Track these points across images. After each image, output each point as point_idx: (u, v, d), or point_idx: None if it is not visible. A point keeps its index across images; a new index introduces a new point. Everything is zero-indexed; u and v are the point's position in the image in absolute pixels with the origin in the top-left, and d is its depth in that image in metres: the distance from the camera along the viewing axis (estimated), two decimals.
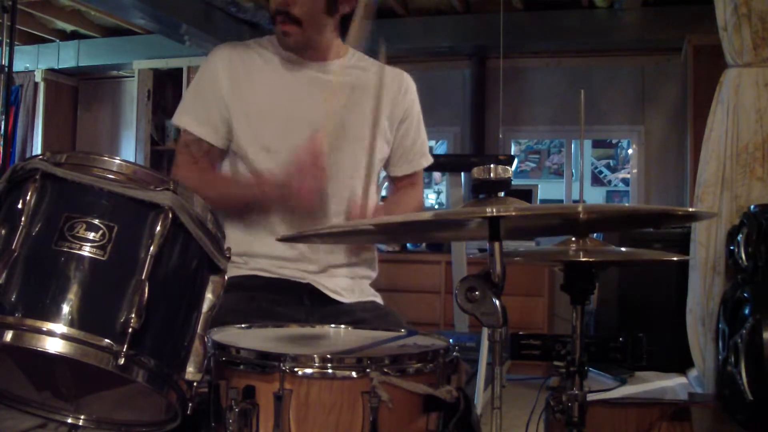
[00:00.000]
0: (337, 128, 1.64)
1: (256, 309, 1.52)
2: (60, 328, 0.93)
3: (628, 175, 6.37)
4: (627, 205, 5.46)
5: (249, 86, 1.65)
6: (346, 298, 1.64)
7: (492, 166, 1.13)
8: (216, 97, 1.64)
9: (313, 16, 1.61)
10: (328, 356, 1.07)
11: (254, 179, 1.62)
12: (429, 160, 1.84)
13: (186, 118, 1.66)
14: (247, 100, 1.64)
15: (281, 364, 1.04)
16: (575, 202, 4.92)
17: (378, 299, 1.72)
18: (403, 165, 1.80)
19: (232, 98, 1.64)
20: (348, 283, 1.68)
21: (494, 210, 0.99)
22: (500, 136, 5.29)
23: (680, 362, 3.36)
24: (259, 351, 1.08)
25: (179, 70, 5.64)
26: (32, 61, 5.91)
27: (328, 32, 1.67)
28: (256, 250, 1.63)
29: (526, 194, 4.98)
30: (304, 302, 1.62)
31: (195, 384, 1.06)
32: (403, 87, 1.77)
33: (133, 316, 0.95)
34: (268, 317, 1.47)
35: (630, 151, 5.59)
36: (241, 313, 1.43)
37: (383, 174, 1.85)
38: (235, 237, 1.62)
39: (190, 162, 1.66)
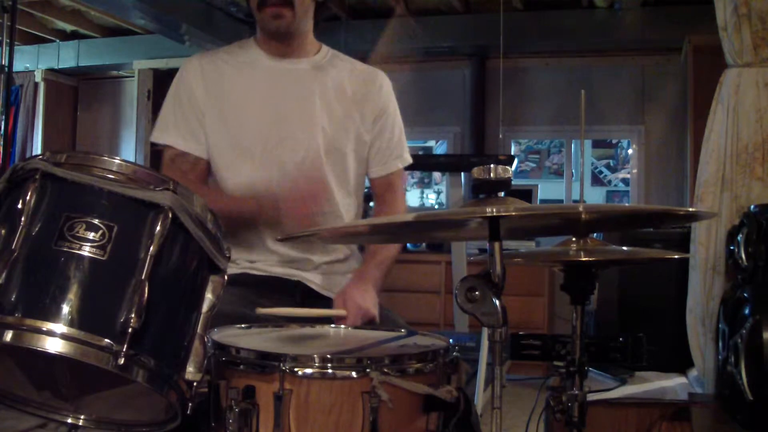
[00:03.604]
0: (310, 125, 1.65)
1: (247, 306, 1.51)
2: (60, 327, 0.93)
3: (628, 175, 6.36)
4: (627, 205, 5.46)
5: (223, 92, 1.66)
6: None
7: (492, 166, 1.13)
8: (194, 109, 1.65)
9: None
10: (328, 356, 1.07)
11: (248, 198, 1.62)
12: (405, 161, 1.81)
13: (169, 134, 1.66)
14: (223, 106, 1.65)
15: (281, 364, 1.04)
16: (575, 202, 4.92)
17: None
18: (377, 166, 1.78)
19: (208, 106, 1.64)
20: (340, 279, 1.68)
21: (494, 210, 0.99)
22: (500, 136, 5.29)
23: (680, 362, 3.35)
24: (259, 351, 1.08)
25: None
26: (32, 61, 5.91)
27: (309, 18, 1.68)
28: (244, 255, 1.64)
29: (526, 194, 4.97)
30: (296, 300, 1.63)
31: (195, 384, 1.05)
32: (377, 83, 1.76)
33: (133, 316, 0.95)
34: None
35: (630, 151, 5.59)
36: (232, 309, 1.42)
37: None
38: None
39: (179, 177, 1.65)
